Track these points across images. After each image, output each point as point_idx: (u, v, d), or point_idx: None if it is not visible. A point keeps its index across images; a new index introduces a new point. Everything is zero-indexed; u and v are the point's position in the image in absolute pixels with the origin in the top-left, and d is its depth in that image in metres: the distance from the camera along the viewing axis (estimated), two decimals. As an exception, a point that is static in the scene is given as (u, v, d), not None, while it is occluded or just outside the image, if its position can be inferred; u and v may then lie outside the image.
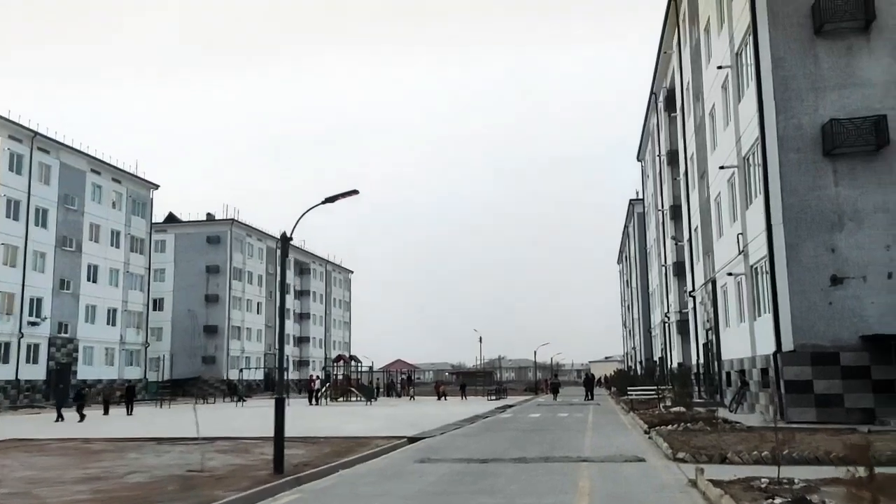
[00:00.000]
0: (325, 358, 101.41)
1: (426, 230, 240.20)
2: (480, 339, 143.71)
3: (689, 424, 18.60)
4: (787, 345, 18.82)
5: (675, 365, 41.72)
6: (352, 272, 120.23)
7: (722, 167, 23.96)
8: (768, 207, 19.53)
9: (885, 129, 18.47)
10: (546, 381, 67.37)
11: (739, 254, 23.05)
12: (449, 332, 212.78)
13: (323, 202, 13.62)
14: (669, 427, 18.52)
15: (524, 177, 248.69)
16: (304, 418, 29.42)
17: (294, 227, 13.54)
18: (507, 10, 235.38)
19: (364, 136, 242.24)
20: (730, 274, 23.72)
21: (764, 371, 21.00)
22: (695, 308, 34.45)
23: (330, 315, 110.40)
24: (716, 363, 28.31)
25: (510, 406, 40.49)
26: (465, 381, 70.54)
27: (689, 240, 35.16)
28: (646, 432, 18.86)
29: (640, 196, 70.04)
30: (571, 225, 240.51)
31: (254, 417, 30.11)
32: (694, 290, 34.14)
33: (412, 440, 18.54)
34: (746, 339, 22.89)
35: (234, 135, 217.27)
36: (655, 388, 30.09)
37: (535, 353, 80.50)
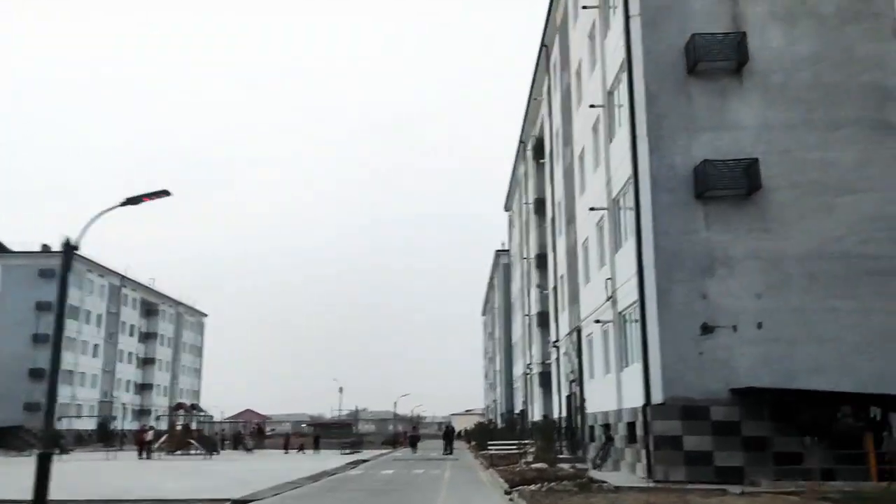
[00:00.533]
0: (169, 408, 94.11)
1: (287, 276, 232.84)
2: (340, 389, 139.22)
3: (553, 484, 16.76)
4: (657, 397, 17.51)
5: (536, 418, 40.43)
6: (206, 315, 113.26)
7: (592, 209, 22.94)
8: (640, 250, 18.41)
9: (756, 173, 17.88)
10: (405, 433, 64.70)
11: (608, 300, 21.89)
12: (309, 383, 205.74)
13: (124, 203, 10.89)
14: (532, 487, 16.60)
15: (390, 227, 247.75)
16: (121, 476, 25.34)
17: (83, 232, 10.68)
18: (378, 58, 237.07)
19: (231, 173, 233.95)
20: (597, 321, 22.51)
21: (631, 425, 19.64)
22: (558, 359, 33.33)
23: (179, 360, 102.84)
24: (579, 417, 26.98)
25: (364, 461, 37.59)
26: (320, 433, 66.65)
27: (555, 288, 34.23)
28: (506, 493, 16.86)
29: (507, 247, 69.97)
30: (439, 278, 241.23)
31: (60, 474, 25.64)
32: (558, 340, 33.06)
33: (236, 504, 15.58)
34: (613, 391, 21.59)
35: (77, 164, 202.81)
36: (517, 442, 28.35)
37: (394, 404, 77.57)
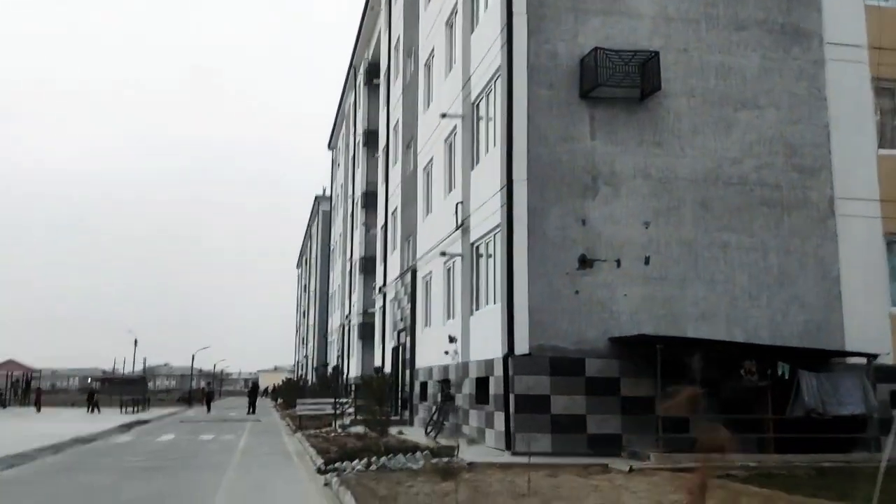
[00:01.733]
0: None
1: (79, 208, 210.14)
2: (135, 342, 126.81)
3: (384, 459, 12.42)
4: (521, 347, 13.64)
5: (354, 374, 36.09)
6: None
7: (444, 115, 18.53)
8: (510, 160, 14.28)
9: (655, 70, 14.32)
10: (202, 390, 58.02)
11: (457, 228, 17.74)
12: (102, 337, 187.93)
13: None
14: (356, 463, 12.17)
15: (200, 185, 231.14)
16: None
17: None
18: None
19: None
20: (443, 254, 18.31)
21: (481, 382, 15.74)
22: (384, 307, 29.07)
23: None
24: (408, 372, 22.90)
25: (145, 422, 31.39)
26: (107, 389, 58.37)
27: (384, 226, 29.79)
28: (321, 472, 12.32)
29: (328, 192, 64.58)
30: (251, 229, 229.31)
31: None
32: (385, 285, 28.75)
33: None
34: (457, 341, 17.58)
35: None
36: (331, 401, 23.80)
37: (192, 357, 70.32)
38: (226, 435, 23.07)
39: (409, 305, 23.14)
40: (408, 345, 23.21)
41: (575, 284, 13.96)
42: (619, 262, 14.17)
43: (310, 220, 77.91)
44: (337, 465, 12.39)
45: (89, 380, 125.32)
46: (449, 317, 19.12)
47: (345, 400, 23.80)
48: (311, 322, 71.95)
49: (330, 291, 55.93)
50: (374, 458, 12.63)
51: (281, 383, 66.41)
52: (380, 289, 29.49)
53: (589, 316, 13.88)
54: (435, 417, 18.10)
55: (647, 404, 13.61)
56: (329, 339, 54.28)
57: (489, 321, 15.26)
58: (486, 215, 15.73)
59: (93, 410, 41.64)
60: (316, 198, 68.84)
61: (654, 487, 10.09)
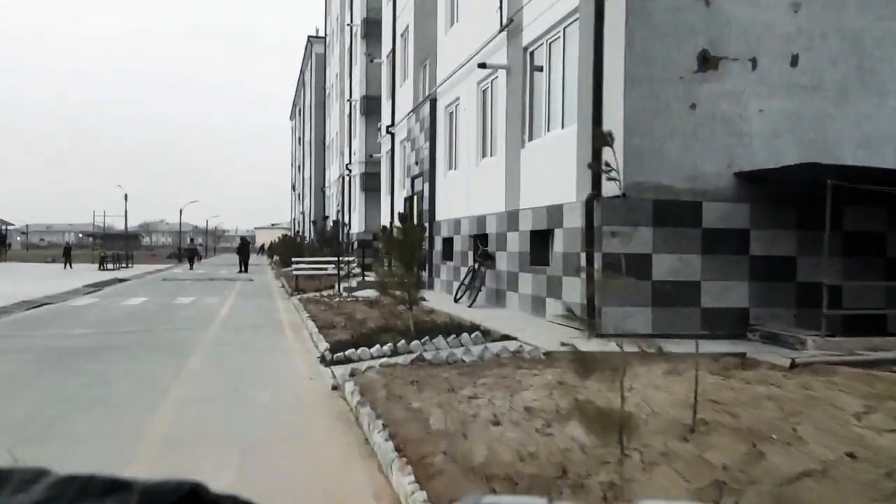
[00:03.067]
0: None
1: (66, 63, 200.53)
2: (126, 196, 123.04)
3: (418, 343, 8.53)
4: (612, 185, 9.38)
5: (357, 230, 32.17)
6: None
7: None
8: None
9: None
10: (196, 247, 54.53)
11: (501, 30, 13.04)
12: (95, 193, 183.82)
13: None
14: (377, 352, 8.29)
15: (196, 36, 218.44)
16: None
17: None
18: None
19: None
20: (482, 66, 13.65)
21: (538, 237, 11.68)
22: (392, 151, 24.63)
23: None
24: (425, 226, 18.84)
25: (121, 281, 27.76)
26: (99, 245, 54.88)
27: (392, 53, 24.76)
28: (325, 361, 8.51)
29: (321, 32, 58.26)
30: (243, 82, 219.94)
31: None
32: (394, 123, 24.16)
33: None
34: (498, 183, 13.37)
35: None
36: (336, 259, 19.88)
37: (180, 211, 66.49)
38: (208, 298, 19.33)
39: (427, 144, 18.72)
40: (425, 193, 19.00)
41: (690, 95, 9.54)
42: (754, 62, 9.67)
43: (302, 64, 71.62)
44: (349, 352, 8.51)
45: (80, 235, 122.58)
46: (485, 153, 14.80)
47: (350, 259, 19.96)
48: (306, 176, 67.60)
49: (326, 141, 51.20)
50: (398, 342, 8.75)
51: (277, 240, 62.96)
52: (387, 129, 24.91)
53: (709, 141, 9.56)
54: (467, 281, 14.19)
55: (786, 267, 9.60)
56: (327, 193, 50.15)
57: (553, 153, 10.99)
58: (551, 1, 11.02)
59: (66, 266, 38.14)
60: (308, 39, 62.41)
61: (873, 400, 6.16)
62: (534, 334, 9.33)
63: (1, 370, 8.28)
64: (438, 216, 18.14)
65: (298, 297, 18.30)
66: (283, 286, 24.04)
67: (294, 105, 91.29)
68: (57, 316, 14.72)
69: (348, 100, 35.87)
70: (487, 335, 9.22)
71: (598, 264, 9.22)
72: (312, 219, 41.36)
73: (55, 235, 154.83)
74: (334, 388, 7.13)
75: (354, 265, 19.06)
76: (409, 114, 21.46)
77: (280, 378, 7.82)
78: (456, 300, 14.17)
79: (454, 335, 9.17)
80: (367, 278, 19.12)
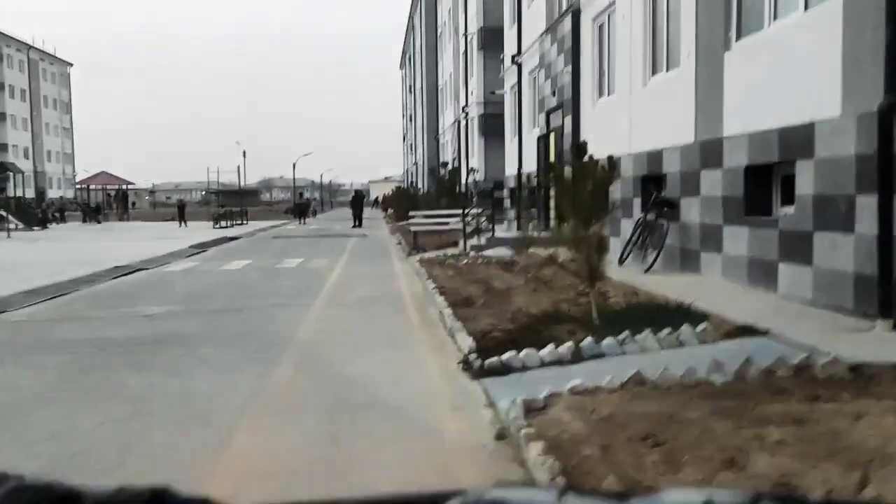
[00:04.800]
0: (35, 172, 79.67)
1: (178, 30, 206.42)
2: (244, 153, 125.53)
3: (614, 342, 5.43)
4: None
5: (478, 177, 29.09)
6: (71, 65, 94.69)
7: None
8: None
9: None
10: (307, 202, 53.32)
11: None
12: (211, 152, 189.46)
13: None
14: (556, 354, 5.24)
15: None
16: None
17: None
18: None
19: None
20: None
21: (760, 175, 8.21)
22: (519, 84, 21.23)
23: (40, 117, 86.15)
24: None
25: (231, 239, 26.06)
26: (222, 201, 54.78)
27: (517, -32, 21.18)
28: (469, 367, 5.57)
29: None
30: (350, 36, 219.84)
31: None
32: (520, 52, 20.73)
33: None
34: (682, 106, 9.87)
35: None
36: (461, 212, 16.92)
37: (293, 166, 65.56)
38: (318, 259, 16.88)
39: (569, 68, 15.26)
40: (566, 129, 15.63)
41: None
42: None
43: (411, 8, 68.52)
44: (507, 357, 5.52)
45: (202, 193, 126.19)
46: (657, 69, 11.27)
47: (476, 211, 16.97)
48: (418, 124, 64.98)
49: (439, 85, 48.17)
50: (581, 339, 5.69)
51: (391, 192, 61.03)
52: (512, 59, 21.49)
53: None
54: (637, 238, 10.86)
55: None
56: (441, 141, 47.28)
57: (788, 49, 7.43)
58: None
59: (181, 223, 37.34)
60: (417, -21, 59.09)
61: None
62: (788, 323, 6.01)
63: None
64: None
65: (418, 257, 15.53)
66: (399, 243, 21.42)
67: (404, 53, 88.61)
68: (142, 287, 12.55)
69: (464, 34, 32.50)
70: (711, 325, 5.97)
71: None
72: (430, 166, 38.53)
73: (183, 194, 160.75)
74: (500, 437, 4.13)
75: (483, 219, 16.10)
76: (541, 36, 17.97)
77: (405, 408, 4.90)
78: (621, 262, 10.89)
79: (660, 325, 5.99)
80: (503, 234, 16.11)
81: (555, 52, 16.55)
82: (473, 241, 15.56)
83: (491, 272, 11.72)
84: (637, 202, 11.54)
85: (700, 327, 5.73)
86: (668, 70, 10.90)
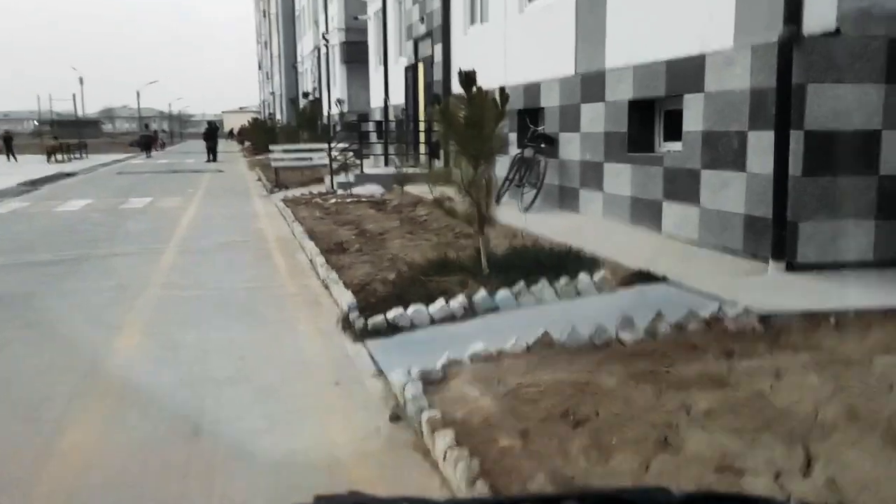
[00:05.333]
0: None
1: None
2: (81, 80, 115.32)
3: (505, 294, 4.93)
4: (820, 15, 5.53)
5: (344, 109, 27.83)
6: None
7: None
8: None
9: None
10: (155, 133, 49.57)
11: None
12: (44, 80, 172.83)
13: None
14: (441, 310, 4.68)
15: None
16: None
17: None
18: None
19: None
20: None
21: (644, 111, 7.90)
22: (384, 9, 20.11)
23: None
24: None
25: (69, 175, 23.60)
26: (58, 132, 50.00)
27: None
28: (351, 328, 4.91)
29: None
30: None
31: None
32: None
33: None
34: (563, 35, 9.39)
35: None
36: (327, 146, 15.87)
37: (138, 94, 60.97)
38: (169, 198, 15.41)
39: (439, -7, 14.42)
40: (436, 59, 14.89)
41: None
42: None
43: (264, -75, 64.07)
44: (393, 314, 4.93)
45: (35, 123, 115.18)
46: (534, -6, 10.71)
47: (344, 145, 15.98)
48: (275, 52, 61.69)
49: (296, 10, 45.59)
50: (474, 292, 5.18)
51: (247, 124, 57.99)
52: (377, -18, 20.27)
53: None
54: (514, 176, 10.43)
55: None
56: (300, 69, 45.02)
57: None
58: None
59: (9, 158, 33.61)
60: None
61: None
62: (681, 267, 5.76)
63: None
64: (456, 88, 14.13)
65: (282, 195, 14.50)
66: (259, 179, 20.13)
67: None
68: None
69: (323, -46, 30.52)
70: (605, 271, 5.61)
71: (795, 146, 5.54)
72: (289, 97, 36.49)
73: (12, 123, 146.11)
74: (395, 418, 3.54)
75: (350, 155, 15.17)
76: (408, -42, 16.90)
77: (277, 385, 4.18)
78: (497, 201, 10.44)
79: (551, 272, 5.58)
80: (373, 170, 15.28)
81: (423, -26, 15.61)
82: (341, 178, 14.68)
83: (362, 213, 11.00)
84: (513, 137, 11.09)
85: (597, 275, 5.34)
86: (545, -5, 10.35)
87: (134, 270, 7.58)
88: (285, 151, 17.73)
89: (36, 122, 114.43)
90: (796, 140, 5.55)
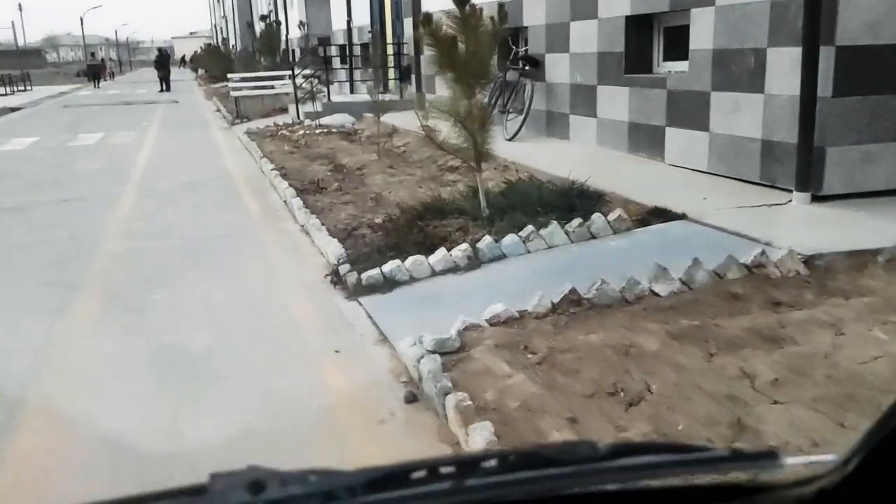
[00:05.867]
0: None
1: None
2: (20, 6, 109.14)
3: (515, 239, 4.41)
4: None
5: (296, 35, 26.45)
6: None
7: None
8: None
9: None
10: (102, 63, 47.10)
11: None
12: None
13: None
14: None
15: None
16: None
17: None
18: None
19: None
20: None
21: (641, 27, 7.25)
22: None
23: None
24: (411, 23, 13.93)
25: (13, 110, 22.18)
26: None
27: None
28: (338, 282, 4.35)
29: None
30: None
31: None
32: None
33: None
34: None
35: None
36: (290, 73, 14.87)
37: (81, 20, 57.81)
38: (122, 133, 14.42)
39: None
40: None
41: None
42: None
43: None
44: (389, 267, 4.37)
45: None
46: None
47: (308, 72, 15.00)
48: (225, -29, 58.50)
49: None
50: (477, 237, 4.64)
51: (200, 50, 55.45)
52: None
53: None
54: (497, 101, 9.74)
55: None
56: (253, -8, 42.69)
57: None
58: None
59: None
60: None
61: None
62: (698, 202, 5.26)
63: None
64: (427, 6, 13.23)
65: (244, 127, 13.60)
66: (218, 110, 19.05)
67: None
68: None
69: None
70: (615, 206, 5.10)
71: (825, 64, 5.00)
72: (246, 21, 34.62)
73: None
74: (411, 399, 3.03)
75: (315, 82, 14.23)
76: None
77: (264, 360, 3.63)
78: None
79: (555, 210, 5.06)
80: (338, 97, 14.41)
81: None
82: (307, 108, 13.81)
83: (335, 145, 10.30)
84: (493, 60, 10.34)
85: (612, 215, 4.81)
86: None
87: (88, 219, 6.87)
88: (245, 80, 16.67)
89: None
90: (826, 57, 5.01)
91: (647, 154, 7.11)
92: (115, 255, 5.61)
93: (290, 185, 7.38)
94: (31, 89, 34.20)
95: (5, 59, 65.29)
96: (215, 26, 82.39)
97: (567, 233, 4.69)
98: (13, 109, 22.63)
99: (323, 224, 5.66)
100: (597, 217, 4.79)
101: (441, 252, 4.48)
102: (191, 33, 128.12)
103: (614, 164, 7.06)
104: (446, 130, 5.40)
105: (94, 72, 38.95)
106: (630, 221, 4.83)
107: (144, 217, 6.92)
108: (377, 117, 9.12)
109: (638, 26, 7.33)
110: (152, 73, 36.40)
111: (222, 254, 5.51)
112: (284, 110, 15.73)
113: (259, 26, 24.29)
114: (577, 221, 4.73)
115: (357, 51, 18.16)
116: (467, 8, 4.90)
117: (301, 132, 11.84)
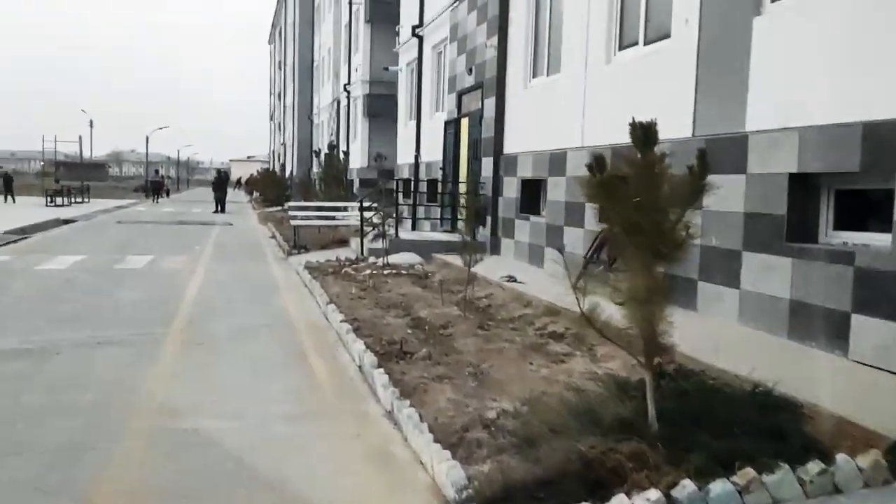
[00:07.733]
0: None
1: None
2: (91, 122, 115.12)
3: None
4: None
5: (360, 164, 26.21)
6: None
7: None
8: None
9: None
10: (161, 179, 47.90)
11: None
12: (55, 122, 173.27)
13: None
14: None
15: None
16: None
17: None
18: None
19: None
20: None
21: (804, 180, 5.98)
22: (419, 60, 18.53)
23: None
24: (486, 163, 13.04)
25: (66, 222, 21.73)
26: (64, 175, 48.66)
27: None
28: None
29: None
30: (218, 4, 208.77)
31: None
32: (423, 23, 18.02)
33: None
34: (674, 85, 7.54)
35: None
36: (358, 204, 13.91)
37: (147, 139, 59.82)
38: (173, 257, 13.45)
39: (494, 41, 12.73)
40: (485, 114, 13.12)
41: None
42: None
43: (283, -21, 63.90)
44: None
45: (41, 164, 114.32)
46: (624, 42, 8.94)
47: (372, 204, 14.08)
48: (288, 103, 60.59)
49: (316, 60, 44.45)
50: (673, 483, 3.10)
51: (256, 173, 56.54)
52: (413, 31, 18.70)
53: None
54: (596, 255, 8.46)
55: None
56: (315, 122, 43.61)
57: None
58: None
59: (7, 199, 31.85)
60: (292, -55, 54.68)
61: None
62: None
63: None
64: (510, 147, 12.36)
65: (303, 259, 12.51)
66: (273, 236, 18.18)
67: (273, 26, 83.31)
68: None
69: (348, 3, 29.25)
70: (845, 439, 3.60)
71: None
72: (292, 156, 34.81)
73: (20, 163, 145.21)
74: None
75: (383, 216, 13.18)
76: (453, 3, 15.30)
77: None
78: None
79: (763, 437, 3.57)
80: (409, 236, 13.34)
81: (473, 21, 13.96)
82: (374, 244, 12.72)
83: (407, 291, 9.03)
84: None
85: (866, 459, 3.31)
86: (645, 44, 8.57)
87: (121, 375, 5.55)
88: (306, 209, 15.83)
89: (41, 164, 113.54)
90: None
91: (821, 345, 5.63)
92: (147, 439, 4.22)
93: (367, 345, 6.02)
94: (89, 201, 34.42)
95: (72, 171, 67.32)
96: (273, 152, 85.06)
97: (802, 482, 3.18)
98: (66, 221, 22.20)
99: (422, 418, 4.23)
100: (843, 460, 3.28)
101: (620, 500, 2.99)
102: (248, 157, 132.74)
103: (780, 353, 5.58)
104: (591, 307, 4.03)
105: (155, 187, 39.81)
106: (886, 469, 3.31)
107: (190, 378, 5.57)
108: (465, 264, 7.83)
109: (805, 186, 6.05)
110: (208, 192, 36.59)
111: (289, 454, 4.07)
112: (344, 242, 14.76)
113: (323, 154, 23.94)
114: (816, 467, 3.22)
115: (423, 187, 17.39)
116: (651, 153, 3.66)
117: (367, 271, 10.66)
